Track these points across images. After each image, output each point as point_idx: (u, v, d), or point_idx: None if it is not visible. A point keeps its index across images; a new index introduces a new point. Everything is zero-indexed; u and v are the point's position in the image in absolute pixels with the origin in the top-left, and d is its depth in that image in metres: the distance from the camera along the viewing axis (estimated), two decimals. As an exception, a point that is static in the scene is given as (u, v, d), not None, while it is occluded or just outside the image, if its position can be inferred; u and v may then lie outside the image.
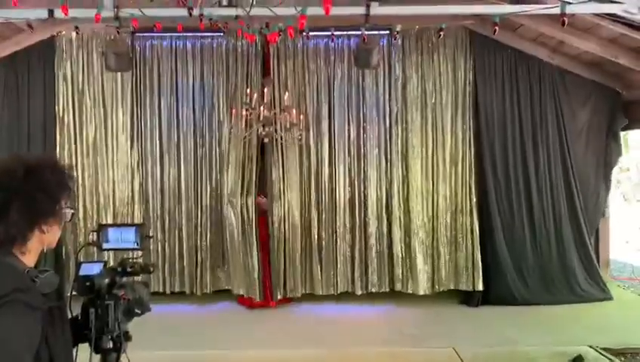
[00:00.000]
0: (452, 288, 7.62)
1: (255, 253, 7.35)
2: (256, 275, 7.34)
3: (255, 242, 7.37)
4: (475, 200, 7.56)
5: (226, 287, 7.71)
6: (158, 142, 7.72)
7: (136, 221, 7.58)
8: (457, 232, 7.60)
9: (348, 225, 7.62)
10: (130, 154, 7.71)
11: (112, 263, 2.62)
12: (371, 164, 7.63)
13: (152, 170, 7.73)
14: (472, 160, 7.57)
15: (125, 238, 2.76)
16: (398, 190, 7.61)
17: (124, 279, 2.59)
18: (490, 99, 7.55)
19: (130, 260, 2.63)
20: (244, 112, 7.15)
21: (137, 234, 2.76)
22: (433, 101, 7.62)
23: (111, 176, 7.68)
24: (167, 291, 7.67)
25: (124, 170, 7.69)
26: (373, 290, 7.61)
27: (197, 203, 7.73)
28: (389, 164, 7.64)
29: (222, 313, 7.41)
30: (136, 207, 7.71)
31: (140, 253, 2.77)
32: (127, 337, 2.52)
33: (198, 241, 7.69)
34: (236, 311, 7.39)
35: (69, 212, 2.09)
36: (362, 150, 7.64)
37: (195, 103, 7.71)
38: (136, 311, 2.56)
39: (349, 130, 7.65)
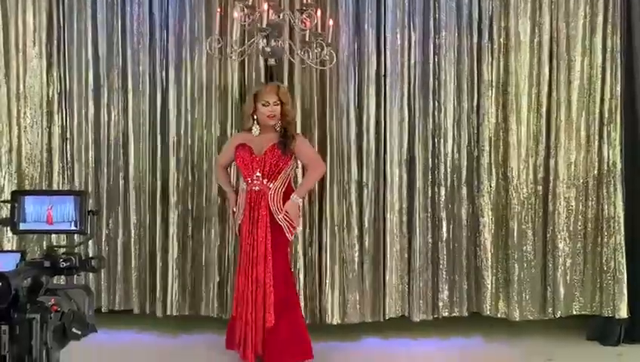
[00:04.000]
0: (574, 313, 4.63)
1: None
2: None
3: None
4: (619, 167, 4.52)
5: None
6: (91, 62, 4.71)
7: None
8: (586, 221, 4.59)
9: (404, 205, 4.64)
10: (47, 81, 4.74)
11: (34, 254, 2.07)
12: (446, 106, 4.61)
13: (81, 108, 4.73)
14: (618, 101, 4.51)
15: (58, 215, 2.00)
16: (489, 148, 4.60)
17: (55, 280, 1.90)
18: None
19: (63, 250, 1.92)
20: (235, 14, 4.16)
21: (77, 209, 1.98)
22: (554, -1, 4.56)
23: (13, 118, 4.71)
24: (104, 308, 4.70)
25: (35, 107, 4.73)
26: (444, 314, 4.64)
27: (154, 163, 4.73)
28: (474, 104, 4.63)
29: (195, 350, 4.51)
30: (55, 167, 4.75)
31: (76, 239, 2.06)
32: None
33: (157, 227, 4.70)
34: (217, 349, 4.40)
35: None
36: (432, 82, 4.62)
37: (152, -1, 4.70)
38: (74, 330, 1.84)
39: (409, 46, 4.62)
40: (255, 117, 4.03)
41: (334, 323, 4.56)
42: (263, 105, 3.99)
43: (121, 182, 4.72)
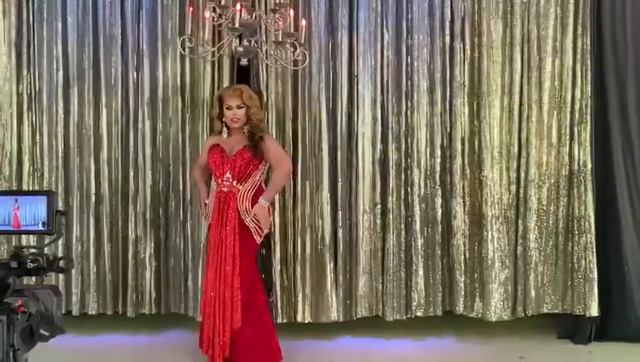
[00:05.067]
0: (546, 311, 4.65)
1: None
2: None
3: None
4: (590, 167, 4.55)
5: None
6: (61, 62, 4.65)
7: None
8: (558, 221, 4.61)
9: (378, 205, 4.63)
10: (16, 77, 4.68)
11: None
12: (419, 106, 4.60)
13: (52, 106, 4.67)
14: (588, 102, 4.54)
15: (25, 215, 1.99)
16: (461, 149, 4.61)
17: (22, 281, 1.89)
18: (621, 2, 4.56)
19: (31, 251, 1.91)
20: (207, 14, 4.11)
21: (45, 209, 1.98)
22: (525, 0, 4.57)
23: (-18, 116, 4.66)
24: (75, 311, 4.63)
25: (4, 104, 4.66)
26: (418, 314, 4.64)
27: (125, 163, 4.69)
28: (446, 105, 4.63)
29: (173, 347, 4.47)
30: (25, 167, 4.68)
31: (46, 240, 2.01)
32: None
33: (130, 229, 4.65)
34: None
35: None
36: (404, 83, 4.62)
37: (124, -4, 4.65)
38: (42, 332, 1.81)
39: (382, 46, 4.61)
40: (223, 120, 4.01)
41: (307, 321, 4.55)
42: (227, 108, 3.97)
43: (93, 182, 4.66)
